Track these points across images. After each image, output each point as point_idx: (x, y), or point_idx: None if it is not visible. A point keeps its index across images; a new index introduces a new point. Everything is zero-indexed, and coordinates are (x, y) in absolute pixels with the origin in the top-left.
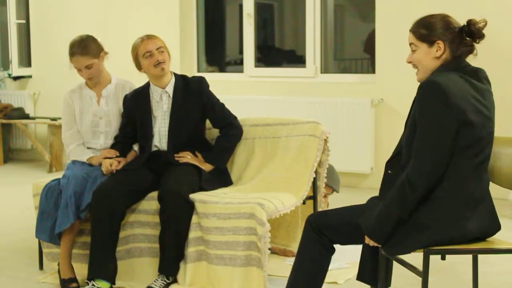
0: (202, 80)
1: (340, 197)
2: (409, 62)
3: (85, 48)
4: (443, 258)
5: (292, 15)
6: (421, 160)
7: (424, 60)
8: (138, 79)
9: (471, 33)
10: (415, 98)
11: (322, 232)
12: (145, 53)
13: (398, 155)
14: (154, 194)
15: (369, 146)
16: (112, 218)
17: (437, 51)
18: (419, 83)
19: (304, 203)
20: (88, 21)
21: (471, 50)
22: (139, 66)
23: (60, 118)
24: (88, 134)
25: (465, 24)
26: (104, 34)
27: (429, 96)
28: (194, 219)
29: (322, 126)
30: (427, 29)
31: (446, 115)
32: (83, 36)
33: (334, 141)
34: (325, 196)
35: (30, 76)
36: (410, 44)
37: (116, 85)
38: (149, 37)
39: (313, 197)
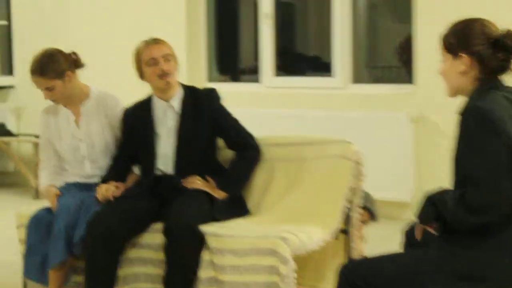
0: (213, 92)
1: (377, 231)
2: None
3: (44, 68)
4: None
5: (316, 14)
6: (474, 191)
7: (449, 74)
8: (141, 90)
9: (505, 47)
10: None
11: (358, 285)
12: (149, 60)
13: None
14: (159, 225)
15: (409, 169)
16: (110, 253)
17: (462, 65)
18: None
19: (335, 237)
20: (81, 21)
21: (505, 66)
22: (141, 74)
23: None
24: (71, 161)
25: (502, 34)
26: (99, 37)
27: (473, 125)
28: (206, 255)
29: (354, 146)
30: (454, 38)
31: (495, 144)
32: (47, 52)
33: (369, 163)
34: (361, 223)
35: (13, 87)
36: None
37: (96, 100)
38: (155, 41)
39: (345, 230)
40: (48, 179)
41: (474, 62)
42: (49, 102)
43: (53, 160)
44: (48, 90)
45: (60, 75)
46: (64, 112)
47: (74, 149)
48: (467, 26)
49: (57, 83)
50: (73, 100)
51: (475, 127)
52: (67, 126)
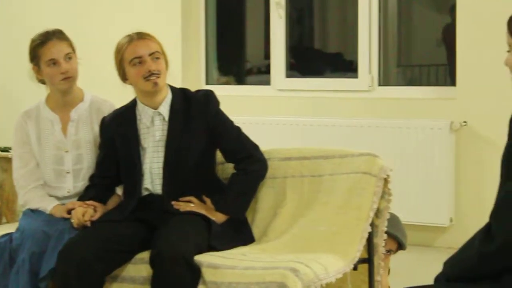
0: (209, 96)
1: (407, 259)
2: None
3: (62, 34)
4: None
5: (338, 4)
6: (503, 207)
7: None
8: (122, 96)
9: None
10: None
11: None
12: (134, 58)
13: None
14: (145, 255)
15: (448, 188)
16: None
17: None
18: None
19: (355, 268)
20: (57, 15)
21: None
22: (123, 76)
23: None
24: (50, 175)
25: None
26: (81, 31)
27: None
28: None
29: (380, 160)
30: None
31: None
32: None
33: (398, 181)
34: (387, 254)
35: None
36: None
37: (90, 105)
38: (140, 36)
39: (368, 259)
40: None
41: None
42: (34, 100)
43: (36, 173)
44: (67, 59)
45: (73, 47)
46: (47, 117)
47: (56, 162)
48: None
49: (74, 55)
50: (66, 102)
51: None
52: (50, 133)
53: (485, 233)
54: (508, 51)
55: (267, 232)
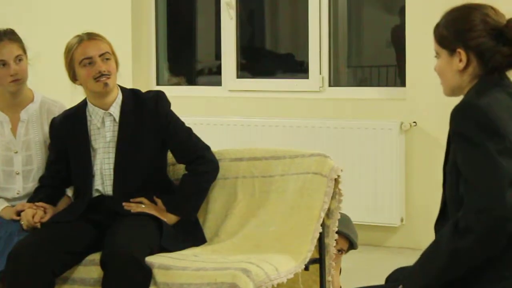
0: (160, 97)
1: (358, 259)
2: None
3: (14, 35)
4: None
5: (289, 5)
6: (473, 201)
7: (445, 72)
8: (72, 97)
9: (509, 40)
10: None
11: None
12: (84, 59)
13: (446, 213)
14: (96, 256)
15: (398, 188)
16: None
17: (459, 62)
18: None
19: (306, 268)
20: (7, 13)
21: (511, 62)
22: (73, 76)
23: None
24: None
25: (507, 24)
26: (27, 34)
27: (465, 125)
28: None
29: (331, 160)
30: (449, 30)
31: (492, 147)
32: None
33: (349, 181)
34: (339, 253)
35: None
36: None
37: (40, 106)
38: (90, 36)
39: (319, 259)
40: None
41: (473, 58)
42: None
43: None
44: (17, 61)
45: (24, 49)
46: None
47: (6, 163)
48: (464, 14)
49: (24, 57)
50: (16, 102)
51: (466, 127)
52: (0, 134)
53: (452, 232)
54: (435, 57)
55: (219, 233)
